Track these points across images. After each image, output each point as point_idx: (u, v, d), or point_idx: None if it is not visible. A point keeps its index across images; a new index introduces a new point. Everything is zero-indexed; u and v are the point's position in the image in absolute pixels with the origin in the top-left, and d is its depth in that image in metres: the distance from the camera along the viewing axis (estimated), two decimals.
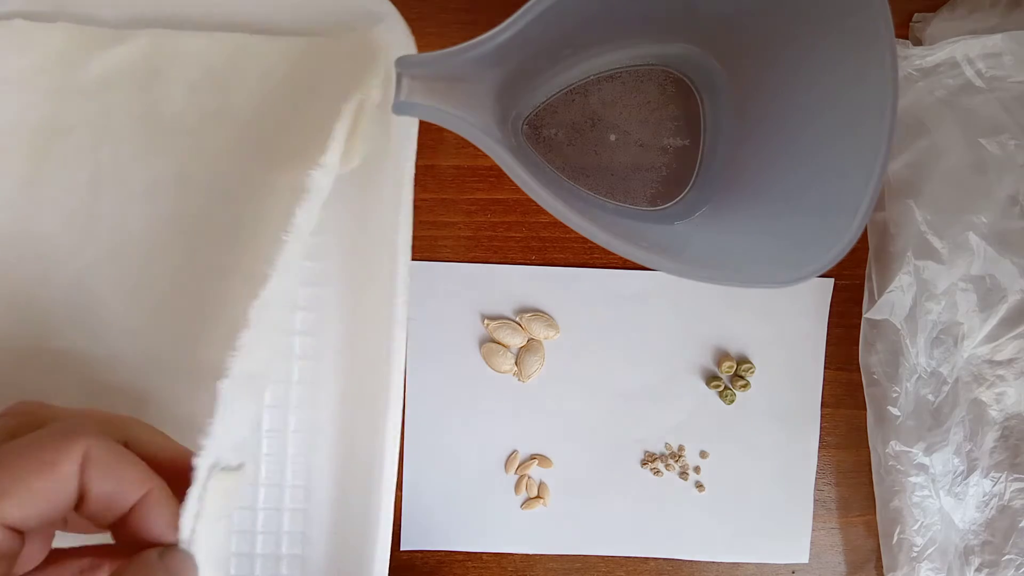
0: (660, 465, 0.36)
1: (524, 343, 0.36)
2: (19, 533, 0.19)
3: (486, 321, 0.35)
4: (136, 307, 0.30)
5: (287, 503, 0.32)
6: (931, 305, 0.33)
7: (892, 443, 0.34)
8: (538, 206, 0.23)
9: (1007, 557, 0.34)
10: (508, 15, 0.23)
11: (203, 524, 0.21)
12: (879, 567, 0.36)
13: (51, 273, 0.29)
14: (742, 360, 0.36)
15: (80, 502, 0.20)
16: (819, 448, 0.36)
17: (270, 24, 0.29)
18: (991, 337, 0.33)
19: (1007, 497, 0.34)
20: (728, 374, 0.36)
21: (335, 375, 0.32)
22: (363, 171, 0.30)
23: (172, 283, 0.30)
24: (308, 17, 0.29)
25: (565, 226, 0.23)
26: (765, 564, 0.36)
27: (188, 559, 0.21)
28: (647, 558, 0.36)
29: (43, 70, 0.29)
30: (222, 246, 0.30)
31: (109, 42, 0.29)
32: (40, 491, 0.19)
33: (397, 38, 0.29)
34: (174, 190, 0.30)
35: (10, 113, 0.29)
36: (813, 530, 0.36)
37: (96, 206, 0.30)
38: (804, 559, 0.36)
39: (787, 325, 0.36)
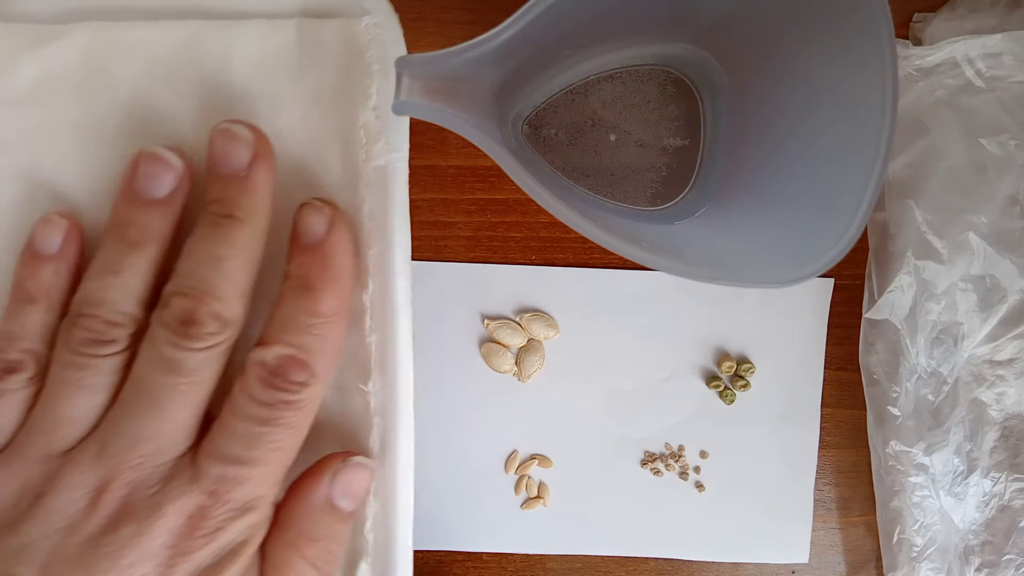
0: (660, 465, 0.36)
1: (524, 343, 0.36)
2: None
3: (486, 321, 0.35)
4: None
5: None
6: (931, 305, 0.33)
7: (892, 443, 0.34)
8: (538, 206, 0.23)
9: (1007, 557, 0.34)
10: (508, 15, 0.23)
11: None
12: (879, 567, 0.36)
13: None
14: (742, 360, 0.36)
15: None
16: (819, 448, 0.36)
17: (230, 9, 0.25)
18: (991, 337, 0.33)
19: (1007, 497, 0.34)
20: (728, 374, 0.36)
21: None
22: (339, 172, 0.27)
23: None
24: (275, 1, 0.25)
25: (565, 226, 0.23)
26: (765, 564, 0.36)
27: (362, 470, 0.23)
28: (647, 558, 0.36)
29: None
30: None
31: (40, 40, 0.25)
32: None
33: (388, 34, 0.26)
34: None
35: None
36: (813, 530, 0.36)
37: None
38: (804, 559, 0.36)
39: (787, 325, 0.36)
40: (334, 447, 0.27)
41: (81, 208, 0.26)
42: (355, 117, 0.25)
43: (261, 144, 0.23)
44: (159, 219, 0.22)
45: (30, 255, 0.23)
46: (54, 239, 0.23)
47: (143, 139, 0.25)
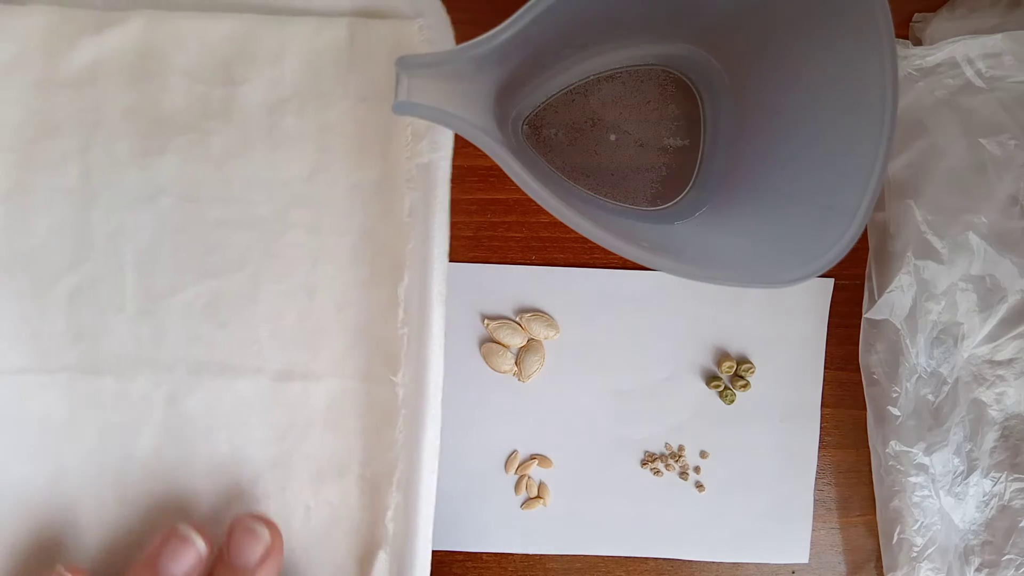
0: (660, 465, 0.36)
1: (524, 343, 0.36)
2: None
3: (486, 321, 0.35)
4: (143, 329, 0.28)
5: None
6: (931, 305, 0.33)
7: (892, 443, 0.34)
8: (538, 206, 0.23)
9: (1007, 557, 0.34)
10: (508, 15, 0.23)
11: None
12: (879, 567, 0.36)
13: (44, 290, 0.27)
14: (742, 360, 0.36)
15: None
16: (819, 448, 0.36)
17: (284, 5, 0.26)
18: (991, 337, 0.33)
19: (1007, 497, 0.34)
20: (728, 374, 0.36)
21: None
22: (383, 169, 0.28)
23: (184, 304, 0.28)
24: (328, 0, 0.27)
25: (565, 226, 0.23)
26: (765, 564, 0.36)
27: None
28: (647, 558, 0.36)
29: (22, 62, 0.26)
30: (246, 255, 0.28)
31: (96, 27, 0.26)
32: None
33: (440, 35, 0.26)
34: (177, 195, 0.27)
35: None
36: (813, 530, 0.36)
37: (88, 214, 0.27)
38: (804, 559, 0.36)
39: (787, 325, 0.36)
40: (359, 438, 0.28)
41: (132, 196, 0.27)
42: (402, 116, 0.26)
43: (275, 543, 0.25)
44: None
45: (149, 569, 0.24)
46: (185, 561, 0.24)
47: (197, 130, 0.27)
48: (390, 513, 0.28)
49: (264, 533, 0.24)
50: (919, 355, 0.34)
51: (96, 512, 0.27)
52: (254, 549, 0.24)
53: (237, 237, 0.28)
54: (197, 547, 0.24)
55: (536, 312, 0.36)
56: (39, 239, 0.27)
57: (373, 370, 0.28)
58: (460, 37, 0.23)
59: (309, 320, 0.28)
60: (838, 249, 0.24)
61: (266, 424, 0.28)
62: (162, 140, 0.27)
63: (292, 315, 0.28)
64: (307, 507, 0.28)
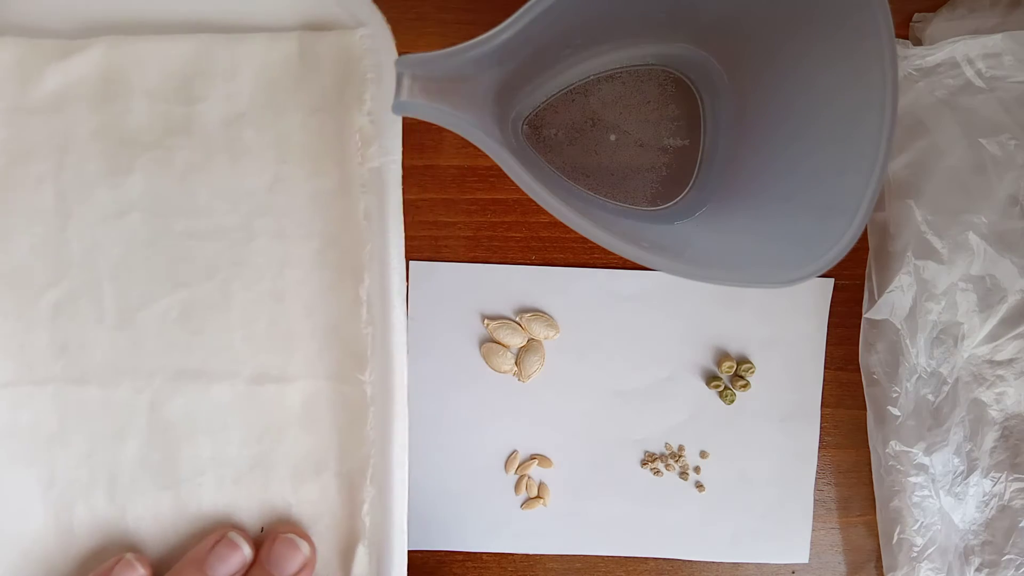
0: (660, 465, 0.36)
1: (524, 343, 0.36)
2: None
3: (486, 321, 0.35)
4: (121, 339, 0.29)
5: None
6: (931, 305, 0.33)
7: (892, 443, 0.34)
8: (538, 206, 0.23)
9: (1007, 557, 0.34)
10: (508, 15, 0.23)
11: None
12: (879, 567, 0.36)
13: (27, 306, 0.29)
14: (742, 360, 0.36)
15: None
16: (819, 448, 0.36)
17: (236, 23, 0.28)
18: (991, 337, 0.33)
19: (1007, 497, 0.34)
20: (728, 374, 0.36)
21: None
22: (338, 176, 0.29)
23: (160, 313, 0.29)
24: (278, 15, 0.28)
25: (565, 226, 0.23)
26: (765, 564, 0.36)
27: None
28: (647, 558, 0.36)
29: None
30: (215, 265, 0.29)
31: (62, 54, 0.27)
32: None
33: (381, 44, 0.28)
34: (145, 210, 0.29)
35: None
36: (813, 530, 0.36)
37: (64, 232, 0.28)
38: (804, 559, 0.36)
39: (787, 325, 0.36)
40: (334, 436, 0.29)
41: (104, 213, 0.28)
42: (352, 122, 0.27)
43: (312, 559, 0.26)
44: None
45: None
46: None
47: (161, 146, 0.28)
48: (366, 507, 0.29)
49: (305, 547, 0.26)
50: (919, 355, 0.34)
51: (89, 516, 0.29)
52: (293, 560, 0.25)
53: (205, 247, 0.29)
54: (243, 552, 0.25)
55: (536, 312, 0.36)
56: (20, 258, 0.28)
57: (343, 370, 0.29)
58: (460, 37, 0.23)
59: (280, 324, 0.29)
60: (838, 249, 0.24)
61: (244, 426, 0.30)
62: (129, 159, 0.28)
63: (263, 320, 0.29)
64: (288, 505, 0.30)
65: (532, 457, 0.36)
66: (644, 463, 0.36)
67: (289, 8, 0.28)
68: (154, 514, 0.29)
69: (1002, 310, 0.33)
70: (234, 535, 0.26)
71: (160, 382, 0.29)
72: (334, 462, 0.30)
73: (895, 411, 0.34)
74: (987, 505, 0.34)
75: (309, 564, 0.26)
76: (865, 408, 0.36)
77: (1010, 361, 0.34)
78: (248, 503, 0.29)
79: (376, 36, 0.28)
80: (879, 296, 0.34)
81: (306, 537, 0.27)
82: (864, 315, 0.35)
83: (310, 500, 0.30)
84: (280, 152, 0.28)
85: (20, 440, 0.29)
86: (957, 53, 0.32)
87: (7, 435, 0.29)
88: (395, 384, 0.29)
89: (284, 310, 0.29)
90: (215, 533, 0.26)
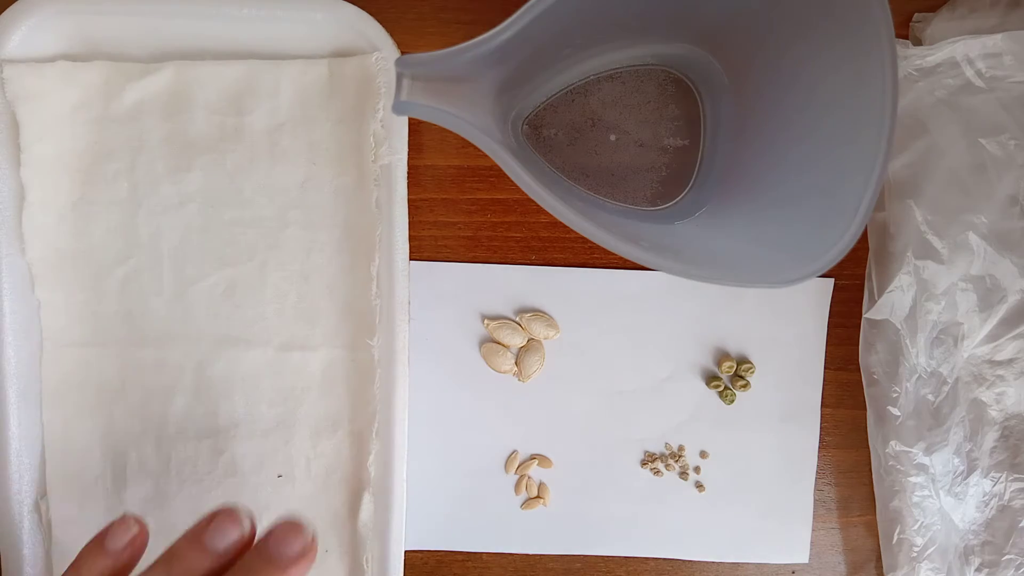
0: (660, 465, 0.36)
1: (524, 343, 0.36)
2: None
3: (486, 321, 0.35)
4: (176, 309, 0.34)
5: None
6: (931, 305, 0.33)
7: (892, 443, 0.34)
8: (538, 206, 0.23)
9: (1007, 557, 0.34)
10: (508, 15, 0.23)
11: None
12: (879, 567, 0.36)
13: (101, 279, 0.34)
14: (742, 360, 0.36)
15: None
16: (819, 448, 0.36)
17: (279, 51, 0.34)
18: (991, 337, 0.33)
19: (1007, 497, 0.34)
20: (728, 374, 0.36)
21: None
22: (357, 173, 0.34)
23: (208, 288, 0.34)
24: (311, 45, 0.34)
25: (565, 226, 0.23)
26: (765, 564, 0.36)
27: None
28: (647, 558, 0.36)
29: (85, 103, 0.34)
30: (255, 249, 0.34)
31: (139, 75, 0.34)
32: None
33: (392, 63, 0.32)
34: (201, 202, 0.34)
35: (64, 142, 0.34)
36: (813, 530, 0.36)
37: (135, 219, 0.34)
38: (804, 559, 0.36)
39: (787, 325, 0.36)
40: (348, 398, 0.35)
41: (167, 204, 0.34)
42: (367, 128, 0.33)
43: (313, 545, 0.26)
44: (206, 562, 0.24)
45: (97, 545, 0.26)
46: (122, 539, 0.26)
47: (216, 150, 0.34)
48: (371, 458, 0.34)
49: (308, 531, 0.26)
50: (919, 355, 0.34)
51: (139, 461, 0.35)
52: (295, 543, 0.25)
53: (247, 234, 0.35)
54: (243, 526, 0.25)
55: (536, 312, 0.36)
56: (98, 239, 0.34)
57: (356, 339, 0.34)
58: (460, 37, 0.23)
59: (306, 300, 0.35)
60: (838, 249, 0.24)
61: (273, 388, 0.35)
62: (189, 159, 0.34)
63: (292, 296, 0.35)
64: (307, 459, 0.35)
65: (532, 457, 0.36)
66: (644, 463, 0.36)
67: (321, 39, 0.33)
68: (193, 463, 0.34)
69: (1002, 310, 0.33)
70: (233, 507, 0.26)
71: (206, 346, 0.35)
72: (347, 422, 0.35)
73: (895, 411, 0.34)
74: (987, 505, 0.34)
75: (310, 550, 0.26)
76: (865, 408, 0.36)
77: (1010, 361, 0.34)
78: (273, 456, 0.35)
79: (388, 58, 0.33)
80: (879, 296, 0.34)
81: (310, 526, 0.27)
82: (864, 315, 0.35)
83: (326, 455, 0.35)
84: (311, 155, 0.34)
85: (87, 394, 0.35)
86: (957, 53, 0.32)
87: (78, 389, 0.34)
88: (397, 348, 0.33)
89: (310, 288, 0.35)
90: (216, 508, 0.26)
